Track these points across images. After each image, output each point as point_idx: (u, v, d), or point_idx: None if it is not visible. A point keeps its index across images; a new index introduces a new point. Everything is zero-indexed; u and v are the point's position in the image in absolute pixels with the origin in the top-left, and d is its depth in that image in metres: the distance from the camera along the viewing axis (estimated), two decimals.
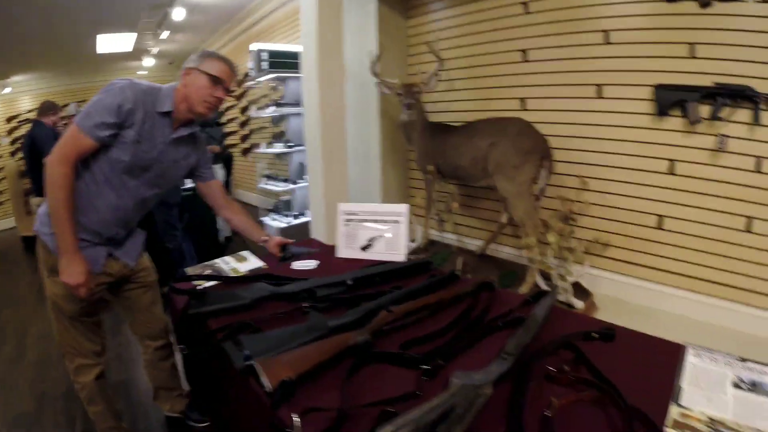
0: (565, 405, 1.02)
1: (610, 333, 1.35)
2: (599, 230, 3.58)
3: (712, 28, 3.07)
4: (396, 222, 2.16)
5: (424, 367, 1.11)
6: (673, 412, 1.08)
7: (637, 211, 3.49)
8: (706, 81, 3.12)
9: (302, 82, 4.30)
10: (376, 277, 1.78)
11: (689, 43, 3.18)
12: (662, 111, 3.26)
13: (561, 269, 3.19)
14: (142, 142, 1.84)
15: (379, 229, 2.17)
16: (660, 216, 3.41)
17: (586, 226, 3.60)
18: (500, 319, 1.39)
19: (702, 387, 1.18)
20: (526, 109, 3.85)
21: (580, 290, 3.34)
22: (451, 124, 3.80)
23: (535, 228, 3.24)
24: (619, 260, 3.63)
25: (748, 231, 3.15)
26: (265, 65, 5.68)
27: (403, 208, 2.16)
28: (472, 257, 3.87)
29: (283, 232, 5.61)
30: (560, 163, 3.62)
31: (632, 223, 3.51)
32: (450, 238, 4.16)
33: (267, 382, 1.04)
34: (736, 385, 1.20)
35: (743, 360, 1.31)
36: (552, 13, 3.71)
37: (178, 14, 6.67)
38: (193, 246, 4.62)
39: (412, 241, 3.83)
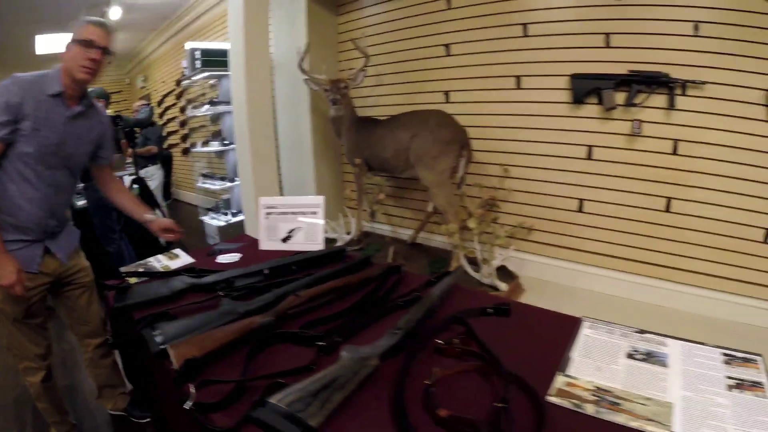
0: (448, 374, 1.06)
1: (504, 308, 1.39)
2: (523, 215, 3.66)
3: (626, 18, 3.17)
4: (313, 213, 2.19)
5: (320, 344, 1.15)
6: (559, 381, 1.10)
7: (558, 196, 3.59)
8: (622, 69, 3.22)
9: (231, 79, 4.22)
10: (292, 266, 1.81)
11: (605, 33, 3.27)
12: (578, 99, 3.35)
13: (485, 253, 3.21)
14: (41, 129, 1.82)
15: (297, 221, 2.17)
16: (580, 199, 3.51)
17: (511, 212, 3.68)
18: (400, 298, 1.43)
19: (593, 357, 1.22)
20: (450, 102, 3.88)
21: (505, 273, 3.40)
22: (378, 118, 3.80)
23: (456, 215, 3.29)
24: (544, 243, 3.72)
25: (667, 210, 3.28)
26: (198, 64, 5.55)
27: (319, 200, 2.18)
28: (404, 246, 3.87)
29: (222, 230, 5.52)
30: (484, 152, 3.70)
31: (554, 208, 3.61)
32: (384, 228, 4.17)
33: (174, 361, 1.08)
34: (630, 356, 1.23)
35: (642, 332, 1.35)
36: (473, 7, 3.77)
37: (114, 13, 6.49)
38: (134, 248, 4.50)
39: (348, 233, 3.81)
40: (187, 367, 1.06)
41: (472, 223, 3.21)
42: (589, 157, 3.41)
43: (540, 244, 3.74)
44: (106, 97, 4.23)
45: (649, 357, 1.22)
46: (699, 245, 3.26)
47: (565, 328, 1.33)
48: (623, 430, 0.96)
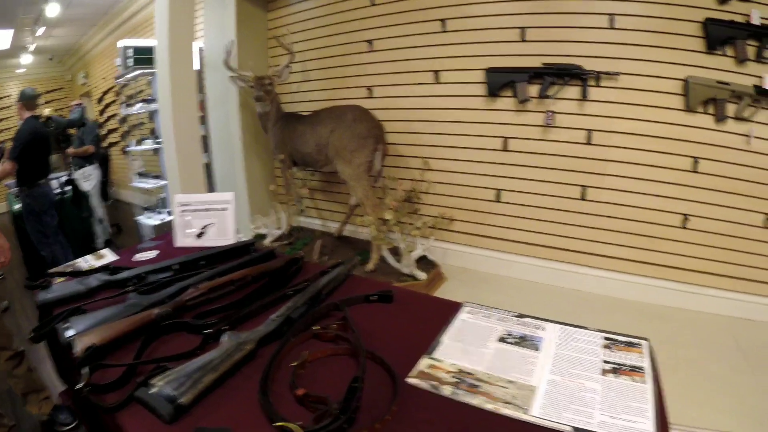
0: (318, 357, 1.06)
1: (388, 295, 1.37)
2: (444, 206, 3.62)
3: (541, 12, 3.15)
4: (224, 209, 2.10)
5: (207, 331, 1.14)
6: (423, 363, 1.05)
7: (477, 187, 3.57)
8: (538, 62, 3.20)
9: (157, 76, 4.02)
10: (201, 261, 1.76)
11: (520, 28, 3.23)
12: (493, 92, 3.32)
13: (404, 244, 3.15)
14: None
15: (210, 217, 2.08)
16: (498, 189, 3.49)
17: (432, 203, 3.63)
18: (291, 288, 1.39)
19: (464, 341, 1.15)
20: (373, 96, 3.79)
21: (427, 263, 3.34)
22: (303, 114, 3.69)
23: (374, 207, 3.24)
24: (465, 233, 3.69)
25: (582, 199, 3.29)
26: (130, 62, 5.30)
27: (229, 196, 2.11)
28: (332, 240, 3.78)
29: (158, 229, 5.28)
30: (406, 145, 3.65)
31: (473, 198, 3.59)
32: (314, 222, 4.08)
33: (77, 349, 1.08)
34: (502, 339, 1.17)
35: (521, 316, 1.30)
36: (395, 3, 3.69)
37: (52, 9, 6.10)
38: (71, 250, 4.30)
39: (278, 228, 3.69)
40: (86, 354, 1.06)
41: (388, 215, 3.15)
42: (505, 149, 3.38)
43: (461, 234, 3.70)
44: (30, 98, 3.96)
45: (522, 341, 1.16)
46: (614, 231, 3.29)
47: (444, 313, 1.27)
48: (477, 412, 0.91)
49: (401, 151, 3.66)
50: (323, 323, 1.18)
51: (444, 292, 3.27)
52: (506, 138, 3.36)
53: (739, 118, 2.90)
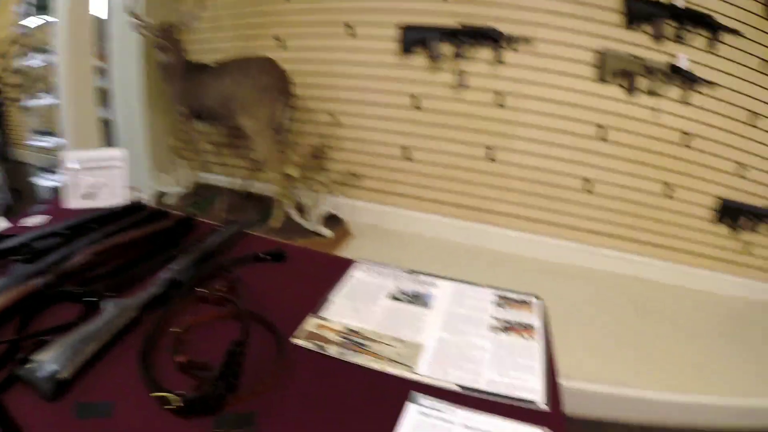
0: (201, 321, 1.01)
1: (280, 254, 1.32)
2: (353, 163, 3.56)
3: None
4: (115, 167, 1.93)
5: (89, 299, 1.05)
6: (310, 323, 1.03)
7: (387, 144, 3.55)
8: (454, 22, 3.17)
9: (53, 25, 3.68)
10: (92, 224, 1.58)
11: None
12: (407, 49, 3.26)
13: (310, 201, 3.10)
14: None
15: (102, 176, 1.92)
16: (408, 147, 3.47)
17: (341, 160, 3.56)
18: (178, 249, 1.32)
19: (354, 299, 1.13)
20: (286, 48, 3.63)
21: (334, 220, 3.30)
22: (210, 64, 3.47)
23: (278, 163, 3.16)
24: (374, 190, 3.67)
25: (490, 159, 3.35)
26: (32, 9, 4.84)
27: (118, 152, 1.92)
28: (238, 197, 3.64)
29: (58, 192, 4.92)
30: (315, 100, 3.53)
31: (383, 155, 3.57)
32: (219, 179, 3.92)
33: None
34: (395, 297, 1.16)
35: (413, 272, 1.29)
36: None
37: None
38: None
39: (181, 186, 3.51)
40: None
41: (291, 171, 3.08)
42: (416, 107, 3.35)
43: (370, 191, 3.67)
44: None
45: (414, 298, 1.15)
46: (519, 192, 3.39)
47: (339, 271, 1.26)
48: (363, 372, 0.91)
49: (309, 105, 3.56)
50: (210, 285, 1.12)
51: (350, 248, 3.26)
52: (418, 96, 3.33)
53: (649, 93, 3.03)
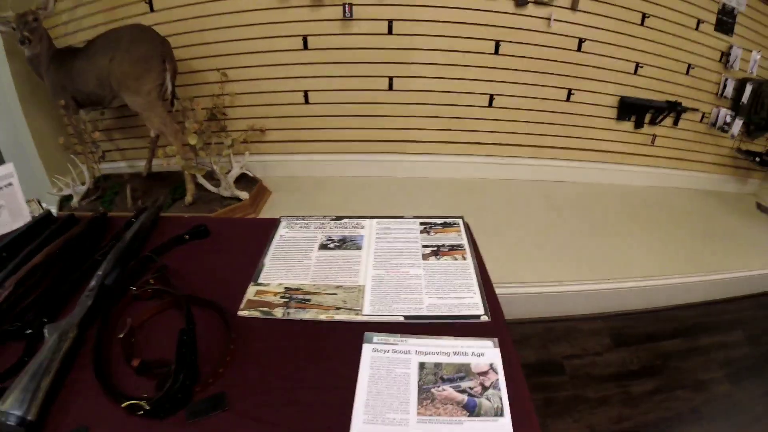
0: (144, 320, 0.99)
1: (201, 230, 1.29)
2: (253, 117, 3.48)
3: None
4: (8, 185, 1.78)
5: (28, 332, 0.99)
6: (250, 292, 1.04)
7: (283, 91, 3.46)
8: None
9: None
10: (2, 253, 1.46)
11: None
12: None
13: (218, 167, 3.03)
14: None
15: None
16: (305, 91, 3.42)
17: (240, 117, 3.47)
18: (99, 252, 1.24)
19: (285, 258, 1.16)
20: (155, 10, 3.40)
21: (248, 180, 3.25)
22: (78, 46, 3.24)
23: (176, 134, 3.01)
24: (279, 141, 3.62)
25: (390, 89, 3.37)
26: None
27: (8, 168, 1.75)
28: (142, 180, 3.49)
29: None
30: (198, 59, 3.37)
31: (282, 104, 3.49)
32: (120, 166, 3.75)
33: None
34: (324, 246, 1.20)
35: (338, 218, 1.33)
36: None
37: None
38: None
39: (82, 183, 3.31)
40: None
41: (192, 140, 2.95)
42: (305, 47, 3.28)
43: (276, 143, 3.62)
44: None
45: (344, 243, 1.20)
46: (424, 117, 3.45)
47: (265, 233, 1.26)
48: (313, 326, 0.94)
49: (195, 66, 3.39)
50: (141, 281, 1.09)
51: (271, 206, 3.24)
52: (305, 36, 3.25)
53: (539, 3, 3.12)
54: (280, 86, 3.41)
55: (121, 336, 0.91)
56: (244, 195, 3.08)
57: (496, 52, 3.25)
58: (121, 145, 3.77)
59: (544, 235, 2.95)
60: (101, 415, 0.78)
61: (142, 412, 0.76)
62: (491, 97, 3.37)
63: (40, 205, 1.78)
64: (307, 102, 3.44)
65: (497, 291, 1.01)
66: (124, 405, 0.77)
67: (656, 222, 3.27)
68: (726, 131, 3.63)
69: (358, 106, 3.43)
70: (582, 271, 2.65)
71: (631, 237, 3.03)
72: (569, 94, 3.42)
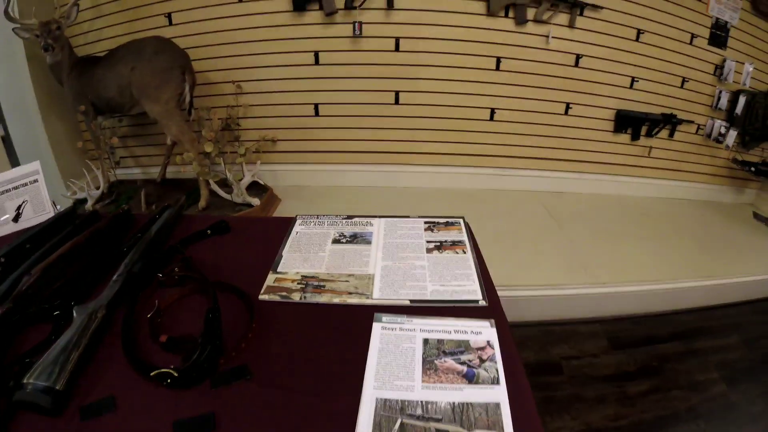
0: (170, 302, 1.05)
1: (223, 226, 1.37)
2: (266, 128, 3.58)
3: None
4: (34, 182, 1.88)
5: (56, 313, 1.05)
6: (269, 279, 1.12)
7: (295, 104, 3.56)
8: None
9: None
10: (26, 245, 1.53)
11: None
12: (299, 6, 3.26)
13: (231, 174, 3.12)
14: None
15: (21, 195, 1.86)
16: (315, 104, 3.52)
17: (253, 127, 3.57)
18: (125, 244, 1.31)
19: (302, 250, 1.25)
20: (174, 24, 3.53)
21: (259, 188, 3.34)
22: (99, 55, 3.36)
23: (192, 142, 3.10)
24: (290, 152, 3.73)
25: (397, 103, 3.49)
26: None
27: (34, 166, 1.85)
28: (156, 186, 3.59)
29: None
30: (216, 71, 3.48)
31: (294, 116, 3.59)
32: (134, 172, 3.84)
33: None
34: (336, 241, 1.29)
35: (349, 217, 1.41)
36: None
37: None
38: None
39: (97, 188, 3.40)
40: None
41: (208, 147, 3.06)
42: (317, 63, 3.39)
43: (287, 153, 3.72)
44: None
45: (355, 239, 1.28)
46: (429, 129, 3.57)
47: (281, 230, 1.34)
48: (328, 308, 1.03)
49: (211, 78, 3.52)
50: (166, 270, 1.16)
51: (281, 212, 3.33)
52: (317, 51, 3.37)
53: (538, 21, 3.25)
54: (292, 99, 3.51)
55: (149, 315, 0.97)
56: (255, 201, 3.16)
57: (497, 68, 3.37)
58: (136, 152, 3.87)
59: (543, 242, 3.04)
60: (129, 386, 0.83)
61: (168, 381, 0.82)
62: (492, 110, 3.48)
63: (55, 207, 1.85)
64: (317, 114, 3.55)
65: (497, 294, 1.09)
66: (152, 374, 0.82)
67: (654, 230, 3.34)
68: (721, 142, 3.69)
69: (365, 118, 3.54)
70: (580, 276, 2.73)
71: (629, 244, 3.10)
72: (567, 107, 3.52)
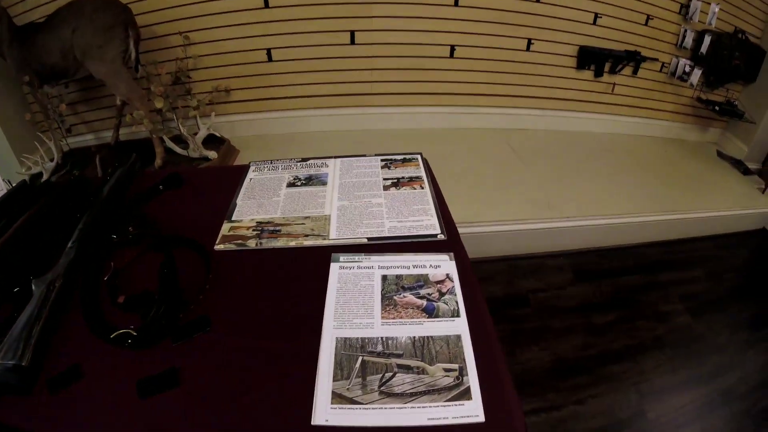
0: (126, 263, 1.03)
1: (175, 179, 1.34)
2: (218, 78, 3.47)
3: None
4: None
5: (17, 290, 1.01)
6: (224, 228, 1.11)
7: (246, 51, 3.45)
8: None
9: None
10: None
11: None
12: None
13: (185, 129, 3.05)
14: None
15: None
16: (267, 49, 3.42)
17: (205, 79, 3.46)
18: (79, 210, 1.26)
19: (256, 197, 1.22)
20: None
21: (215, 141, 3.27)
22: (38, 21, 3.19)
23: (142, 99, 3.01)
24: (246, 100, 3.64)
25: (352, 43, 3.41)
26: None
27: None
28: (111, 151, 3.48)
29: None
30: (160, 24, 3.33)
31: (246, 63, 3.48)
32: (87, 139, 3.73)
33: None
34: (291, 185, 1.27)
35: (304, 159, 1.38)
36: None
37: None
38: None
39: (51, 160, 3.29)
40: None
41: (158, 103, 2.97)
42: (266, 5, 3.27)
43: (242, 102, 3.63)
44: None
45: (310, 181, 1.26)
46: (386, 69, 3.50)
47: (235, 179, 1.32)
48: (285, 252, 1.02)
49: (157, 31, 3.35)
50: (120, 230, 1.14)
51: (240, 163, 3.25)
52: None
53: None
54: (243, 46, 3.40)
55: (106, 278, 0.96)
56: (212, 154, 3.10)
57: (456, 4, 3.28)
58: (86, 118, 3.74)
59: (507, 179, 3.05)
60: (93, 352, 0.83)
61: (130, 341, 0.81)
62: (452, 47, 3.41)
63: (10, 184, 1.79)
64: (270, 60, 3.44)
65: (461, 231, 1.07)
66: (112, 336, 0.82)
67: (618, 166, 3.38)
68: (685, 80, 3.71)
69: (321, 61, 3.45)
70: (545, 211, 2.76)
71: (593, 180, 3.14)
72: (529, 43, 3.47)
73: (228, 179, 1.33)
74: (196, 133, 3.13)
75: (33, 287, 0.97)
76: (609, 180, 3.16)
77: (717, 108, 3.77)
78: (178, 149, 3.11)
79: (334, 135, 3.58)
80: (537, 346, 2.18)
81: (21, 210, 1.35)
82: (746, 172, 3.60)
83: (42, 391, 0.78)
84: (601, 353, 2.21)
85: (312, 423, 0.69)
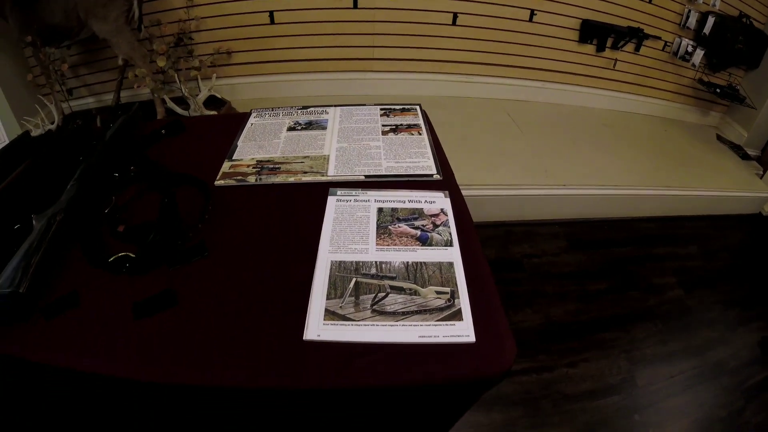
0: (126, 198, 1.05)
1: (177, 125, 1.35)
2: (220, 40, 3.45)
3: None
4: None
5: (17, 227, 1.03)
6: (225, 166, 1.13)
7: (249, 13, 3.42)
8: None
9: None
10: None
11: None
12: None
13: (186, 90, 3.05)
14: None
15: None
16: (271, 11, 3.40)
17: (207, 41, 3.44)
18: (82, 155, 1.27)
19: (257, 139, 1.25)
20: None
21: (216, 102, 3.26)
22: None
23: (144, 58, 3.00)
24: (247, 63, 3.63)
25: (355, 7, 3.38)
26: None
27: None
28: (111, 112, 3.48)
29: None
30: None
31: (249, 25, 3.46)
32: (88, 101, 3.72)
33: None
34: (291, 128, 1.29)
35: (305, 107, 1.38)
36: None
37: None
38: None
39: (52, 123, 3.29)
40: None
41: (160, 62, 2.97)
42: None
43: (244, 65, 3.62)
44: None
45: (310, 125, 1.29)
46: (389, 35, 3.49)
47: (236, 125, 1.34)
48: (283, 187, 1.05)
49: None
50: (122, 170, 1.15)
51: None
52: None
53: None
54: (246, 8, 3.39)
55: (107, 210, 0.99)
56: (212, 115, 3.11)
57: None
58: (87, 81, 3.73)
59: (505, 147, 3.07)
60: (90, 279, 0.84)
61: (128, 265, 0.83)
62: (455, 15, 3.40)
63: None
64: (272, 22, 3.43)
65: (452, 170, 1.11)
66: (111, 260, 0.84)
67: (616, 141, 3.40)
68: (687, 60, 3.70)
69: (323, 24, 3.44)
70: (542, 178, 2.79)
71: (591, 152, 3.15)
72: (532, 14, 3.46)
73: (230, 125, 1.34)
74: (197, 95, 3.13)
75: (33, 222, 0.98)
76: (607, 153, 3.18)
77: (718, 90, 3.76)
78: (179, 110, 3.11)
79: (335, 99, 3.49)
80: (530, 309, 2.23)
81: (24, 157, 1.38)
82: (745, 157, 3.61)
83: (37, 320, 0.79)
84: (593, 319, 2.25)
85: (304, 338, 0.72)
